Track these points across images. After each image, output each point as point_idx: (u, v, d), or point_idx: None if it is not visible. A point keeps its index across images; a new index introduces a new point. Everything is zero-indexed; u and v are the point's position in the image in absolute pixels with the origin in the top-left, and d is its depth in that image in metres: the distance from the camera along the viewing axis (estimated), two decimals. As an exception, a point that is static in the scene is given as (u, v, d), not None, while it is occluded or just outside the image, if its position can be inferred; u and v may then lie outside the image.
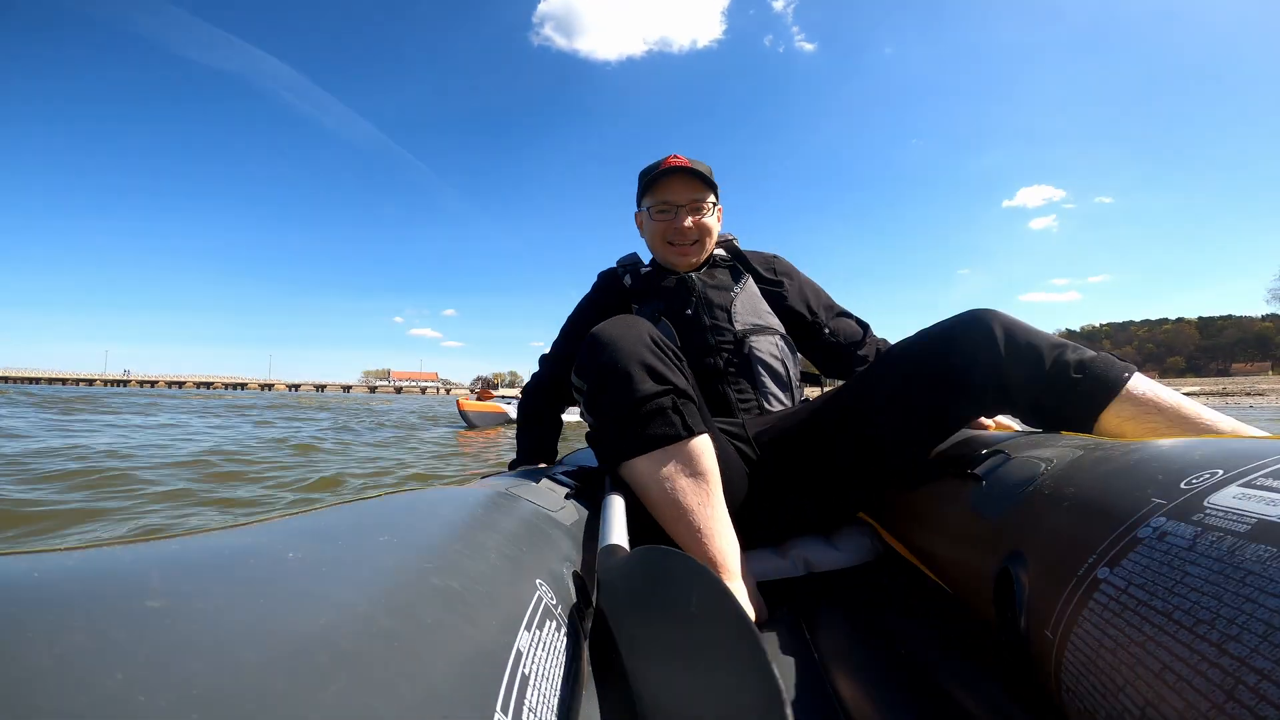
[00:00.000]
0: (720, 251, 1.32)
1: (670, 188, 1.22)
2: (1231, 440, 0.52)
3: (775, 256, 1.34)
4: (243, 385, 79.18)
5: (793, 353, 1.23)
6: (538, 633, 0.41)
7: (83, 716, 0.17)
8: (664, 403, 0.81)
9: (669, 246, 1.24)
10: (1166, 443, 0.56)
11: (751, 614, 0.77)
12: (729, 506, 0.84)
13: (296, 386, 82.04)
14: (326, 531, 0.39)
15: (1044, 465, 0.66)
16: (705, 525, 0.77)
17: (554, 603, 0.47)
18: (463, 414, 7.58)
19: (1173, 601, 0.38)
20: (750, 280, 1.27)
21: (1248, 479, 0.43)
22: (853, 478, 0.97)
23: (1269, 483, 0.41)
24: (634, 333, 0.87)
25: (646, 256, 1.35)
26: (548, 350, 1.37)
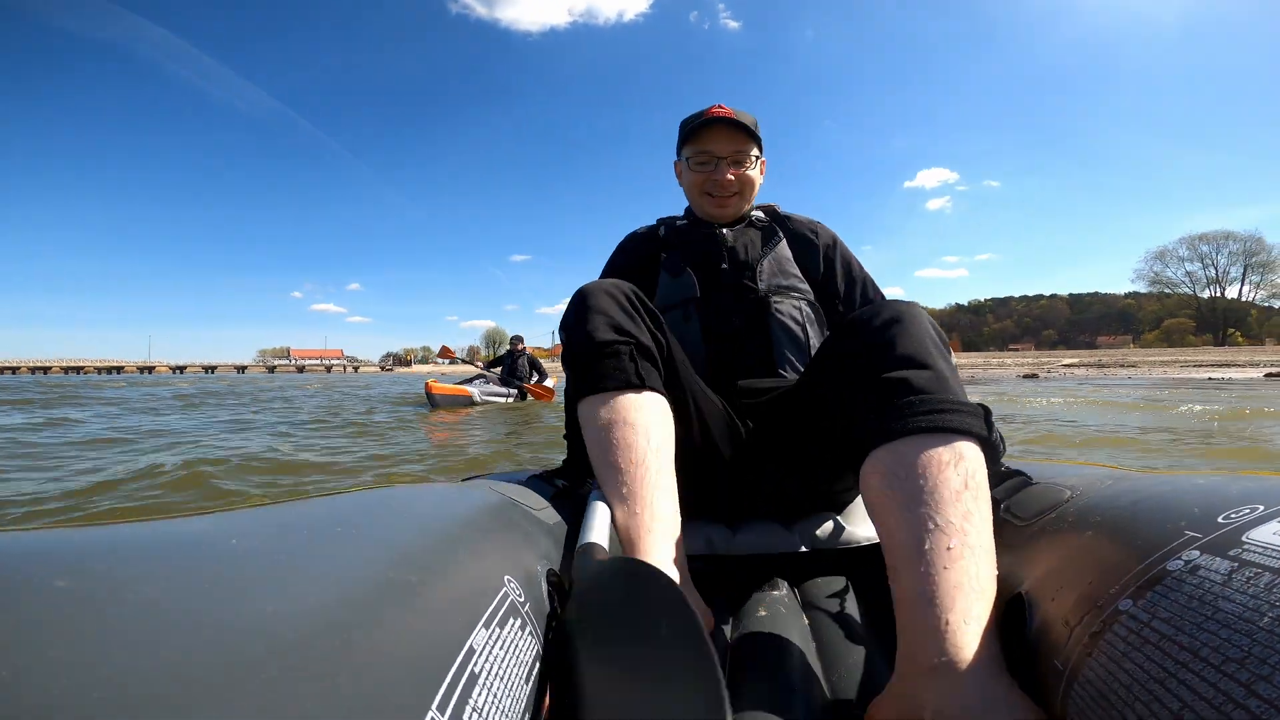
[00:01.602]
0: (759, 214, 1.28)
1: (712, 138, 1.18)
2: (1272, 478, 0.51)
3: (818, 223, 1.27)
4: (119, 368, 71.57)
5: (817, 318, 1.16)
6: (498, 630, 0.40)
7: None
8: (619, 349, 0.82)
9: (707, 197, 1.21)
10: (1202, 477, 0.55)
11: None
12: (719, 472, 0.92)
13: (181, 368, 75.42)
14: (281, 523, 0.39)
15: (1069, 493, 0.65)
16: (634, 489, 0.72)
17: (521, 600, 0.47)
18: (429, 396, 7.85)
19: (1200, 638, 0.36)
20: (784, 243, 1.22)
21: None
22: (824, 462, 0.93)
23: None
24: (609, 287, 0.88)
25: (679, 208, 1.33)
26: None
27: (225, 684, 0.21)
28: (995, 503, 0.70)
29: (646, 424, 0.77)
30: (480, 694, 0.34)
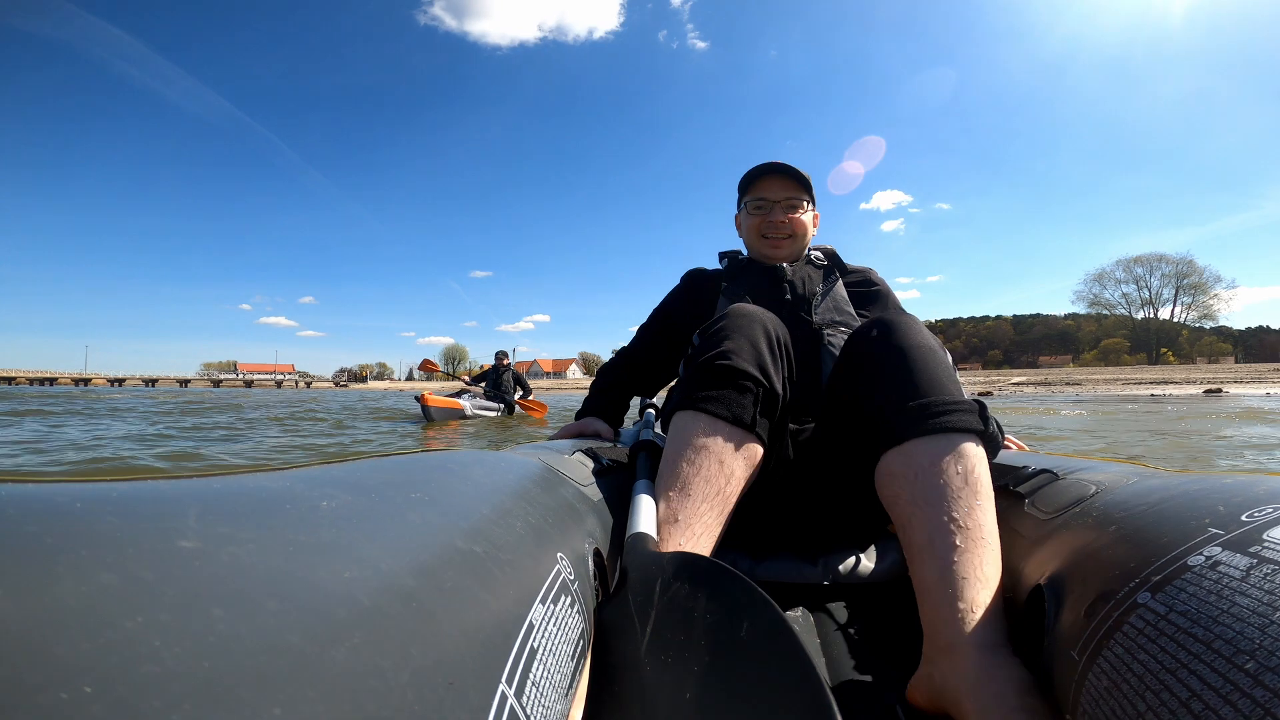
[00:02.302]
0: (818, 254, 1.35)
1: (767, 185, 1.29)
2: None
3: (873, 270, 1.36)
4: (52, 380, 67.55)
5: None
6: (552, 607, 0.41)
7: (93, 660, 0.17)
8: (751, 387, 0.81)
9: (763, 240, 1.29)
10: (1229, 477, 0.56)
11: None
12: (755, 503, 0.90)
13: (120, 381, 71.69)
14: (359, 484, 0.39)
15: (1094, 488, 0.65)
16: (689, 519, 0.73)
17: (571, 578, 0.47)
18: (424, 409, 7.88)
19: (1215, 630, 0.37)
20: (840, 284, 1.29)
21: None
22: (852, 499, 0.96)
23: None
24: (767, 321, 0.90)
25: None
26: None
27: (316, 648, 0.22)
28: (1019, 497, 0.74)
29: (734, 469, 0.78)
30: (538, 669, 0.34)
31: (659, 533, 0.69)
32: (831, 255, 1.35)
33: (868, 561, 0.97)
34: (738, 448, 0.79)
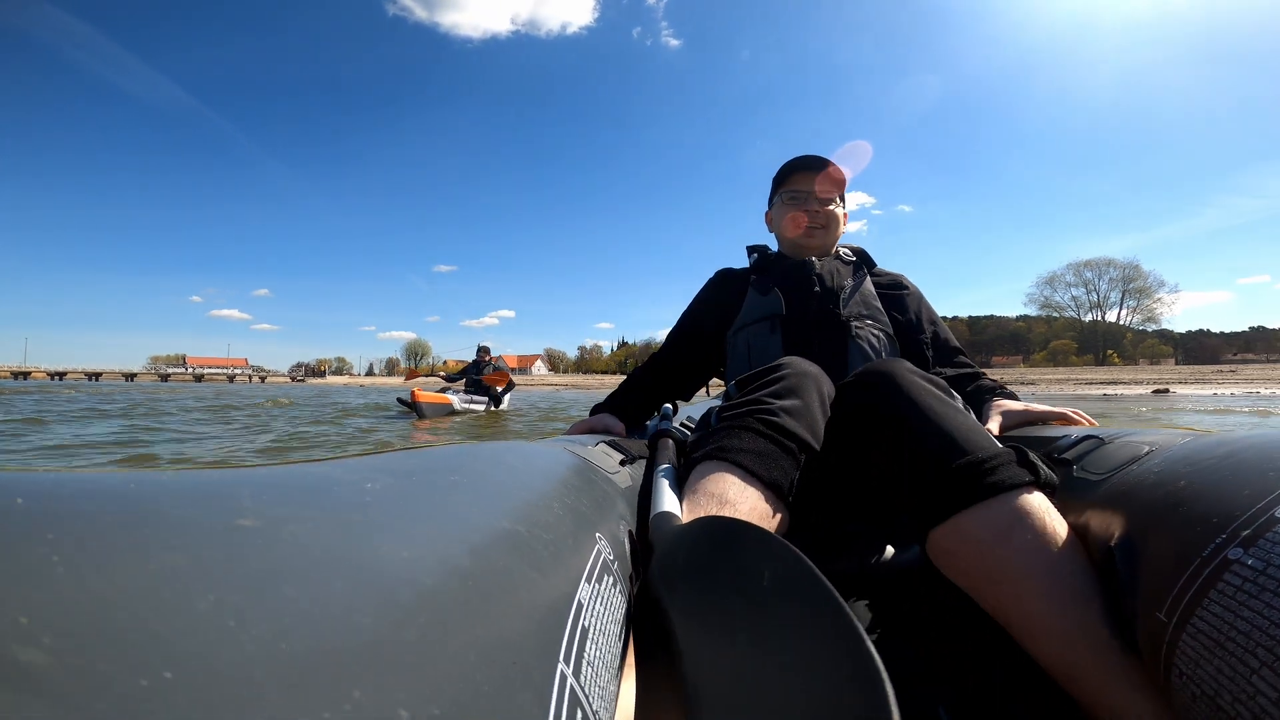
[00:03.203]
0: (847, 251, 1.37)
1: (801, 178, 1.32)
2: None
3: (903, 275, 1.35)
4: (-13, 372, 63.87)
5: (892, 349, 1.21)
6: (596, 586, 0.40)
7: (170, 645, 0.16)
8: (793, 450, 0.74)
9: (796, 230, 1.31)
10: None
11: None
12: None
13: (61, 374, 68.14)
14: (398, 469, 0.38)
15: (1148, 448, 0.62)
16: None
17: (611, 558, 0.47)
18: (415, 405, 7.75)
19: None
20: (869, 281, 1.29)
21: None
22: (875, 497, 0.88)
23: None
24: (820, 380, 0.86)
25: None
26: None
27: (388, 628, 0.22)
28: (1067, 463, 0.70)
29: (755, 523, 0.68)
30: (591, 648, 0.34)
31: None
32: (860, 253, 1.37)
33: (891, 550, 0.95)
34: (765, 509, 0.68)
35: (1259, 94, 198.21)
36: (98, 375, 72.63)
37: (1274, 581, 0.39)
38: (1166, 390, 21.87)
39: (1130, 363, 71.45)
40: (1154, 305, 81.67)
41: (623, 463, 0.82)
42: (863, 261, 1.35)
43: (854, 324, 1.18)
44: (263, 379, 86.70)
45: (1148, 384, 25.67)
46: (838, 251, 1.36)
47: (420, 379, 8.31)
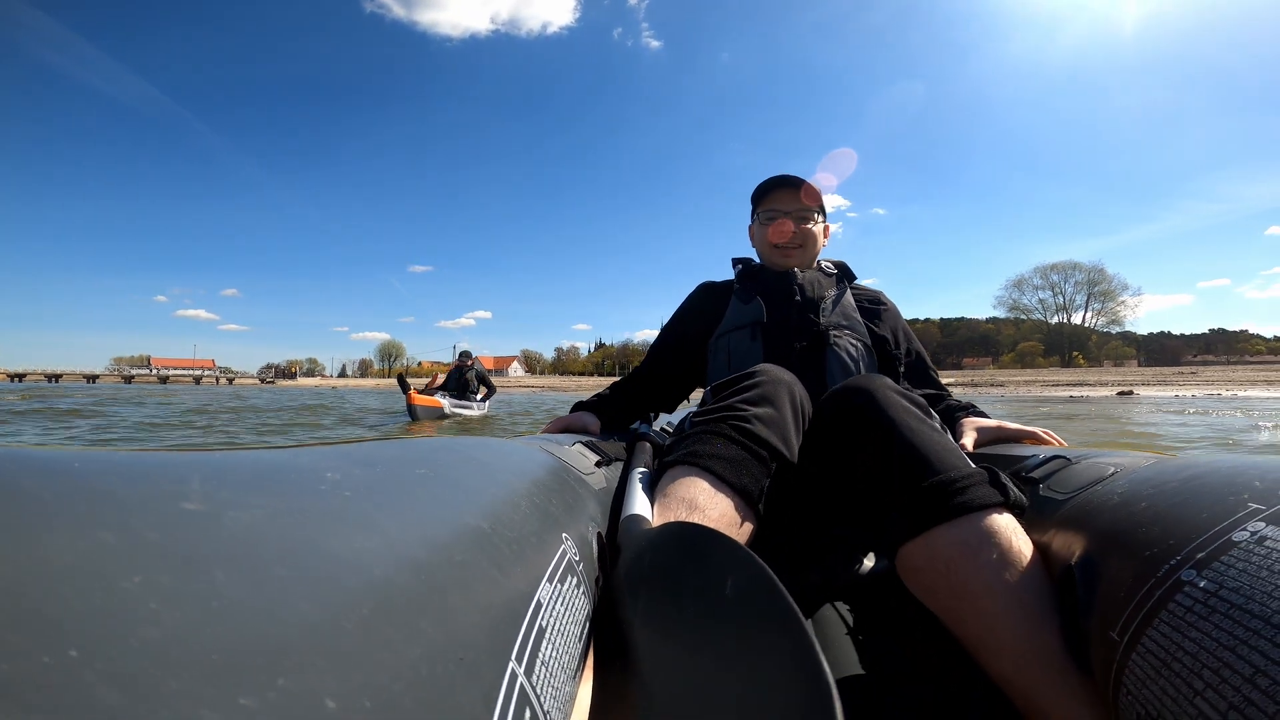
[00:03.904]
0: (828, 264, 1.41)
1: (778, 197, 1.36)
2: None
3: (881, 291, 1.40)
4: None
5: (870, 360, 1.24)
6: (559, 586, 0.40)
7: (84, 621, 0.16)
8: (765, 458, 0.74)
9: (774, 249, 1.35)
10: (1259, 456, 0.57)
11: None
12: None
13: (20, 376, 65.48)
14: (364, 459, 0.38)
15: (1113, 469, 0.64)
16: None
17: (576, 559, 0.47)
18: (410, 407, 8.06)
19: (1272, 606, 0.37)
20: (849, 294, 1.33)
21: None
22: (853, 508, 0.90)
23: None
24: (795, 388, 0.87)
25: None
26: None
27: (325, 617, 0.21)
28: (1034, 482, 0.72)
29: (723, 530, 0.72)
30: (547, 648, 0.34)
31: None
32: (842, 267, 1.42)
33: (867, 561, 0.96)
34: (735, 518, 0.69)
35: (1217, 103, 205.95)
36: (58, 377, 69.98)
37: (1225, 604, 0.39)
38: (1131, 392, 22.49)
39: (1095, 364, 73.52)
40: (1118, 308, 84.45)
41: (599, 464, 0.82)
42: (844, 275, 1.40)
43: (833, 333, 1.22)
44: (230, 380, 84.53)
45: (1113, 385, 26.38)
46: (819, 264, 1.40)
47: (424, 399, 8.33)
